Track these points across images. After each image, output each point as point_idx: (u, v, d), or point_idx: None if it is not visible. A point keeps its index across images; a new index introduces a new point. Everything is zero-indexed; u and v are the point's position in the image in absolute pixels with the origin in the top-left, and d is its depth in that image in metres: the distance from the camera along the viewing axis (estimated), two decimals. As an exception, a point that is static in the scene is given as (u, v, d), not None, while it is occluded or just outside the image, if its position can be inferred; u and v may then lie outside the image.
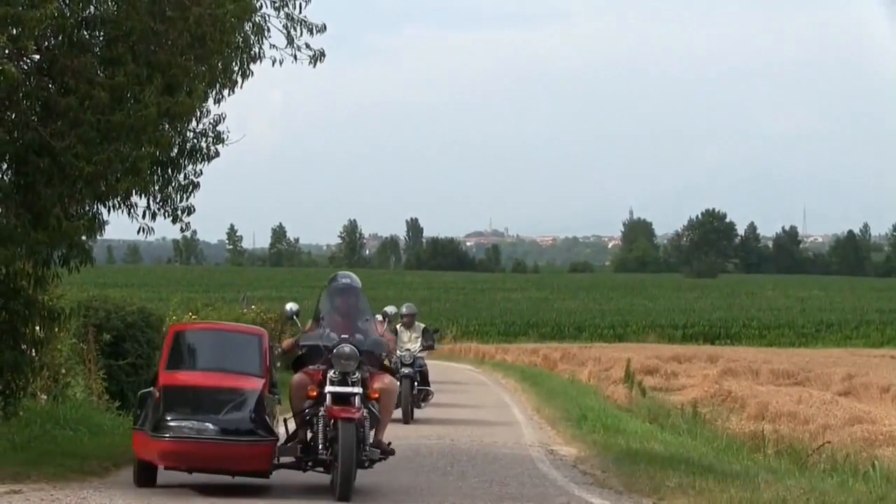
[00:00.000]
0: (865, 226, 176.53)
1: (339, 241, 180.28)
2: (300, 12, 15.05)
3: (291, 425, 12.43)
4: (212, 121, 15.13)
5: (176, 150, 14.78)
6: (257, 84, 15.85)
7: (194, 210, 14.90)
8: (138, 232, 14.55)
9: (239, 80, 15.13)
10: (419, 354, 23.31)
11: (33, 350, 15.15)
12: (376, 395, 12.09)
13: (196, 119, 14.86)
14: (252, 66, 15.18)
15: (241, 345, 12.95)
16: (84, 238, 13.76)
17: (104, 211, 14.15)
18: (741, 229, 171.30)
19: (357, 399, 11.79)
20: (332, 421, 11.71)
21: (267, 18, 15.08)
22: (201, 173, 15.06)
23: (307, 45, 15.18)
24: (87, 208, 13.94)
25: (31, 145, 12.94)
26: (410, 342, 23.43)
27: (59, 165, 12.89)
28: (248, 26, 14.93)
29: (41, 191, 12.97)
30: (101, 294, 22.16)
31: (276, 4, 15.08)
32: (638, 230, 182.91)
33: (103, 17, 13.40)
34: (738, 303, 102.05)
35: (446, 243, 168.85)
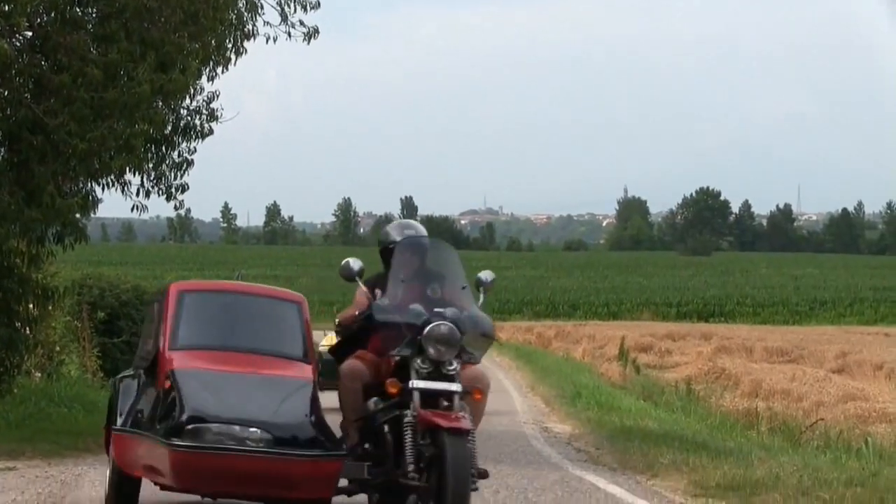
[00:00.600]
0: (859, 204, 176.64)
1: (333, 219, 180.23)
2: (293, -11, 15.04)
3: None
4: (205, 98, 15.14)
5: (170, 128, 14.78)
6: (252, 62, 15.84)
7: (188, 188, 14.90)
8: (132, 210, 14.57)
9: (232, 57, 15.12)
10: None
11: (27, 328, 15.16)
12: (479, 395, 8.63)
13: (190, 96, 14.86)
14: (246, 44, 15.19)
15: (275, 315, 9.50)
16: (78, 216, 13.75)
17: (98, 189, 14.16)
18: (735, 207, 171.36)
19: (457, 399, 8.39)
20: (429, 431, 8.23)
21: (260, -5, 15.06)
22: (195, 151, 15.07)
23: (301, 23, 15.18)
24: (81, 186, 13.94)
25: (24, 123, 12.92)
26: None
27: (52, 143, 12.87)
28: (241, 3, 14.92)
29: (35, 168, 12.95)
30: (95, 272, 22.17)
31: (270, -19, 15.07)
32: (632, 208, 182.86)
33: (96, -7, 13.37)
34: (733, 281, 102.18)
35: (441, 221, 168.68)
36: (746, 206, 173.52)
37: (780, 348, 40.63)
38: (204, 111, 15.11)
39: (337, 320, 9.50)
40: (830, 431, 19.13)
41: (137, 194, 14.43)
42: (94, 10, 13.57)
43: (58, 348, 18.61)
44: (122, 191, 14.33)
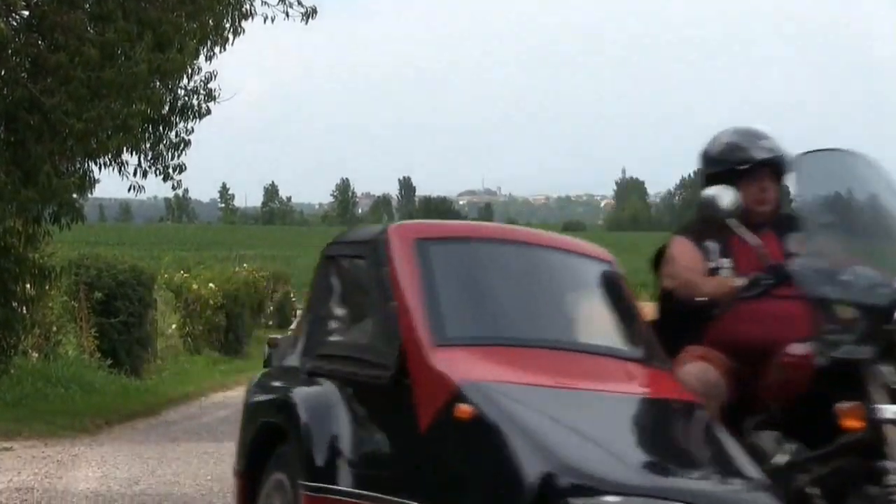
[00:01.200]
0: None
1: (331, 199, 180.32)
2: (291, -32, 14.99)
3: None
4: (203, 78, 15.10)
5: (167, 108, 14.75)
6: (250, 41, 15.82)
7: (185, 168, 14.89)
8: (129, 190, 14.55)
9: (230, 37, 15.07)
10: None
11: (24, 308, 15.16)
12: None
13: (187, 76, 14.83)
14: (244, 23, 15.14)
15: (583, 282, 5.92)
16: (75, 195, 13.73)
17: (95, 169, 14.14)
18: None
19: None
20: None
21: (258, -26, 15.02)
22: (193, 131, 15.04)
23: (299, 2, 15.12)
24: (78, 166, 13.91)
25: (20, 102, 12.88)
26: None
27: (49, 122, 12.83)
28: (239, -17, 14.87)
29: (31, 148, 12.92)
30: (92, 252, 22.13)
31: (267, -40, 15.03)
32: (630, 189, 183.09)
33: (93, -28, 13.32)
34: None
35: (439, 202, 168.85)
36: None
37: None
38: (202, 91, 15.08)
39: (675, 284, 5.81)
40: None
41: (135, 174, 14.42)
42: (91, -12, 13.52)
43: (55, 328, 18.58)
44: (120, 171, 14.31)
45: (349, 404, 5.29)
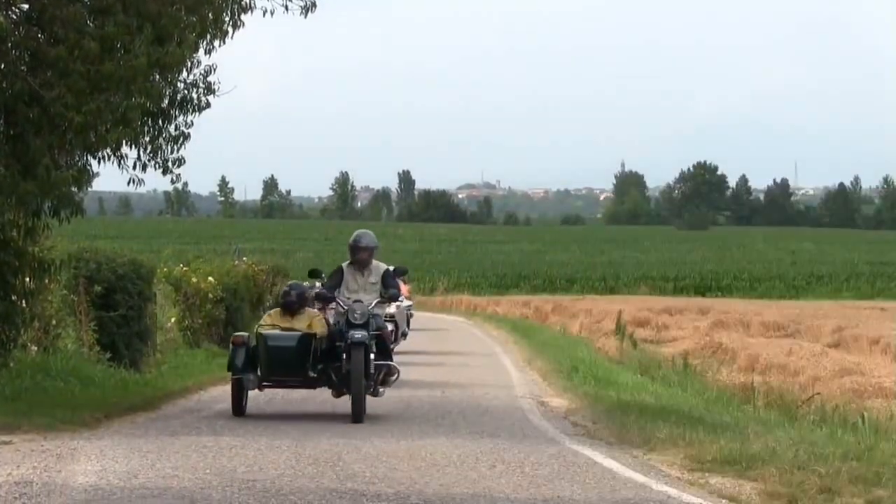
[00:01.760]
0: (856, 178, 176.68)
1: (330, 193, 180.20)
2: (290, -38, 14.96)
3: None
4: (203, 71, 15.09)
5: (166, 101, 14.74)
6: (249, 35, 15.77)
7: (185, 161, 14.88)
8: (129, 183, 14.54)
9: (230, 30, 15.05)
10: (376, 310, 15.45)
11: (24, 301, 15.15)
12: None
13: (187, 70, 14.81)
14: (243, 17, 15.12)
15: None
16: (73, 189, 13.72)
17: (94, 162, 14.12)
18: (732, 182, 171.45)
19: None
20: None
21: (257, -32, 14.99)
22: (192, 124, 15.04)
23: (298, -4, 15.08)
24: (77, 159, 13.90)
25: (20, 95, 12.87)
26: (364, 291, 15.56)
27: (48, 115, 12.83)
28: (238, -24, 14.83)
29: (30, 141, 12.91)
30: (91, 245, 22.10)
31: (267, -46, 14.99)
32: (629, 182, 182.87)
33: (93, -35, 13.30)
34: (730, 255, 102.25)
35: (438, 195, 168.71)
36: (743, 180, 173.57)
37: (776, 323, 40.66)
38: (201, 84, 15.07)
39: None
40: (826, 406, 19.15)
41: (134, 168, 14.40)
42: (91, -18, 13.51)
43: (54, 322, 18.57)
44: (119, 164, 14.30)
45: None
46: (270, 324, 15.63)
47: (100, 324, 20.00)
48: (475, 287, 73.93)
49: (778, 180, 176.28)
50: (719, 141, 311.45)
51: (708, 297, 71.23)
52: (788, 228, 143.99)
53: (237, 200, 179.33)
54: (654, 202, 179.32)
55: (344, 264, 15.71)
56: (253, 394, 15.65)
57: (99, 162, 14.12)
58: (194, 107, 15.03)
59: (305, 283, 16.98)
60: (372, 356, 14.90)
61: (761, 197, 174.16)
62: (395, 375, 15.59)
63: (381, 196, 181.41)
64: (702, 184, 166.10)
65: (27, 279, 14.86)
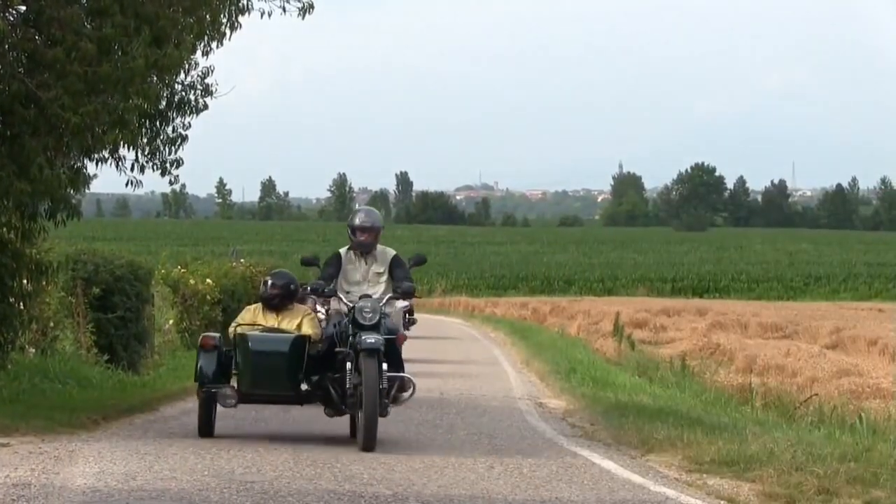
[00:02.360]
0: (854, 179, 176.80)
1: (328, 194, 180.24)
2: (288, -36, 14.96)
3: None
4: (200, 73, 15.09)
5: (164, 103, 14.73)
6: (247, 37, 15.80)
7: (183, 163, 14.87)
8: (126, 185, 14.53)
9: (227, 32, 15.05)
10: (385, 309, 12.49)
11: (21, 303, 15.13)
12: None
13: (184, 71, 14.81)
14: (240, 18, 15.12)
15: None
16: (69, 191, 13.71)
17: (91, 164, 14.11)
18: (730, 183, 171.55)
19: None
20: None
21: (255, -31, 14.99)
22: (190, 126, 15.04)
23: (296, -3, 15.08)
24: (74, 161, 13.88)
25: (17, 96, 12.86)
26: (369, 283, 12.75)
27: (45, 117, 12.82)
28: (236, -23, 14.84)
29: (27, 141, 12.90)
30: (89, 247, 22.08)
31: (264, -44, 14.99)
32: (627, 184, 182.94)
33: (90, -33, 13.29)
34: (727, 256, 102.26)
35: (436, 197, 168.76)
36: (741, 181, 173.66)
37: (774, 324, 40.68)
38: (198, 86, 15.06)
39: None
40: (824, 407, 19.15)
41: (132, 169, 14.39)
42: (88, -17, 13.50)
43: (52, 324, 18.56)
44: (117, 166, 14.29)
45: None
46: (250, 322, 12.72)
47: (97, 326, 19.99)
48: (473, 288, 73.97)
49: (776, 181, 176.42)
50: (717, 142, 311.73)
51: (706, 298, 71.26)
52: (786, 229, 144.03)
53: (235, 202, 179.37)
54: (651, 203, 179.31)
55: (342, 250, 12.86)
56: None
57: (97, 164, 14.11)
58: (192, 108, 15.03)
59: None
60: (384, 366, 11.95)
61: (759, 198, 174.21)
62: (411, 390, 12.37)
63: (379, 197, 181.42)
64: (699, 185, 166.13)
65: (24, 281, 14.84)
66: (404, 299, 13.38)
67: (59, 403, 14.48)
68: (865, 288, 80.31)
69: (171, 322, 25.42)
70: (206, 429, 12.70)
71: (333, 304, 12.82)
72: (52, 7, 12.93)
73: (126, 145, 13.88)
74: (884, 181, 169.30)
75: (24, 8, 13.15)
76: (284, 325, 12.67)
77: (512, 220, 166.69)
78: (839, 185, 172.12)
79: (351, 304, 12.33)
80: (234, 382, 12.75)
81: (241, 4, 15.07)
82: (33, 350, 17.70)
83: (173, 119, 14.90)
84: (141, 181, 14.54)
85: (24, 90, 12.80)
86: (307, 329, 12.59)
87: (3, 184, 12.79)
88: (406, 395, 12.43)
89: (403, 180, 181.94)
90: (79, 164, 13.97)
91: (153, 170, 14.62)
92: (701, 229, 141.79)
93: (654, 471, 11.35)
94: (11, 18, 13.08)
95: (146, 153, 14.58)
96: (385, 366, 11.97)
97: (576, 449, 12.88)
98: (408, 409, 16.58)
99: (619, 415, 15.28)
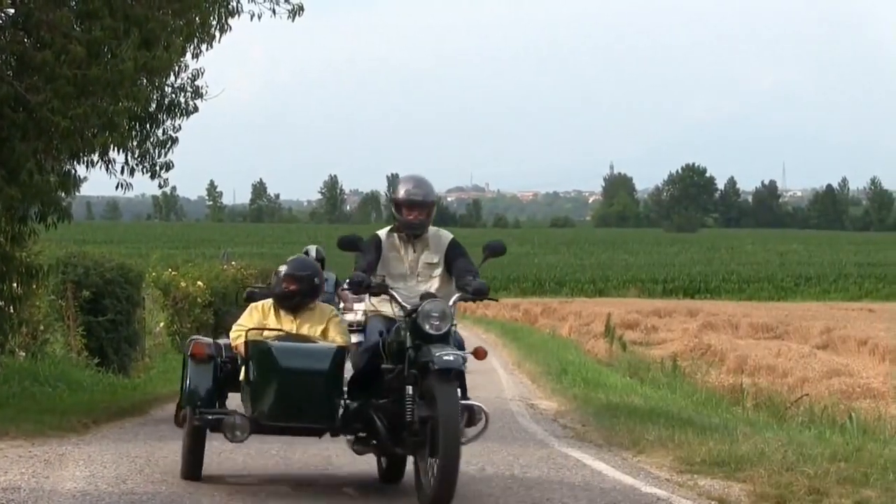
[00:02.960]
0: (844, 180, 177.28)
1: (319, 196, 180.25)
2: (277, -34, 14.97)
3: None
4: (190, 76, 15.11)
5: (154, 105, 14.74)
6: (237, 39, 15.81)
7: (173, 166, 14.87)
8: (116, 188, 14.52)
9: (217, 34, 15.07)
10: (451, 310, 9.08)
11: (11, 307, 15.10)
12: None
13: (174, 74, 14.81)
14: (230, 21, 15.13)
15: None
16: (60, 194, 13.69)
17: (81, 167, 14.10)
18: (721, 184, 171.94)
19: None
20: None
21: (244, -28, 15.00)
22: (180, 128, 15.05)
23: (286, -1, 15.09)
24: (64, 165, 13.87)
25: (6, 99, 12.84)
26: (418, 277, 9.47)
27: (34, 120, 12.79)
28: (225, -21, 14.84)
29: (16, 146, 12.88)
30: (79, 250, 22.06)
31: (254, -42, 15.00)
32: (618, 185, 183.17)
33: (79, -30, 13.28)
34: (718, 257, 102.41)
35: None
36: (732, 182, 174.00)
37: (765, 324, 40.75)
38: (189, 88, 15.07)
39: None
40: (815, 407, 19.18)
41: (122, 172, 14.38)
42: (77, -14, 13.49)
43: (42, 327, 18.53)
44: (106, 169, 14.28)
45: None
46: (259, 325, 9.58)
47: (88, 329, 19.96)
48: (464, 290, 73.81)
49: (766, 182, 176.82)
50: (707, 143, 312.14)
51: (697, 298, 71.36)
52: (776, 230, 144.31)
53: (226, 204, 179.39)
54: (642, 204, 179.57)
55: (382, 232, 9.54)
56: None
57: (87, 167, 14.10)
58: (182, 111, 15.03)
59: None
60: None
61: (749, 199, 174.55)
62: (483, 423, 9.10)
63: (370, 199, 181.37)
64: (690, 186, 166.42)
65: (14, 284, 14.81)
66: (476, 300, 9.28)
67: (50, 407, 14.45)
68: (856, 288, 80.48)
69: (161, 325, 25.39)
70: (194, 469, 9.71)
71: (369, 304, 9.49)
72: (41, 10, 12.91)
73: (116, 148, 13.87)
74: (874, 182, 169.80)
75: (12, 11, 13.13)
76: (305, 330, 9.58)
77: (503, 222, 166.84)
78: (829, 186, 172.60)
79: (409, 307, 8.85)
80: (238, 404, 9.70)
81: (230, 7, 15.07)
82: (23, 353, 17.68)
83: (163, 121, 14.91)
84: (131, 184, 14.54)
85: (13, 93, 12.78)
86: (337, 337, 9.49)
87: (-8, 189, 12.78)
88: (475, 430, 9.09)
89: (394, 182, 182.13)
90: (69, 167, 13.95)
91: (143, 173, 14.63)
92: (692, 230, 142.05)
93: (646, 471, 11.36)
94: (0, 21, 13.06)
95: (136, 156, 14.58)
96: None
97: (567, 450, 12.88)
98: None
99: (610, 416, 15.28)
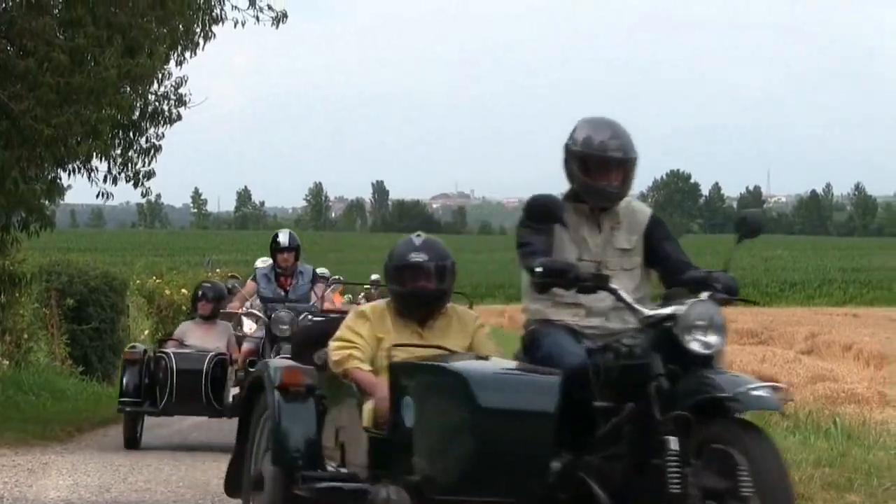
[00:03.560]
0: (828, 186, 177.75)
1: (304, 204, 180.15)
2: (261, -27, 14.97)
3: None
4: (174, 83, 15.07)
5: (137, 113, 14.70)
6: (221, 46, 15.80)
7: (155, 174, 14.85)
8: (97, 196, 14.48)
9: (201, 41, 15.04)
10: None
11: (-6, 315, 15.06)
12: None
13: (157, 81, 14.79)
14: (214, 28, 15.11)
15: None
16: (44, 202, 13.66)
17: (64, 175, 14.07)
18: (705, 190, 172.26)
19: None
20: None
21: (228, -21, 14.99)
22: (164, 136, 15.01)
23: (269, 7, 15.09)
24: (47, 172, 13.84)
25: (-12, 108, 12.82)
26: (608, 265, 6.27)
27: (17, 128, 12.76)
28: (208, -13, 14.84)
29: (0, 154, 12.85)
30: (63, 258, 22.03)
31: (237, -35, 14.99)
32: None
33: (62, -23, 13.27)
34: (703, 263, 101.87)
35: (412, 205, 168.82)
36: (717, 188, 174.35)
37: (750, 329, 40.80)
38: (172, 96, 15.04)
39: None
40: (800, 412, 19.19)
41: (105, 181, 14.34)
42: (60, -6, 13.48)
43: (26, 336, 18.49)
44: (88, 177, 14.25)
45: None
46: (393, 343, 6.23)
47: (72, 337, 19.93)
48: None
49: (750, 188, 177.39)
50: (692, 149, 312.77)
51: (682, 304, 71.34)
52: (761, 235, 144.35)
53: (210, 212, 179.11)
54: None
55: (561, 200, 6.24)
56: None
57: (70, 175, 14.08)
58: (166, 119, 15.00)
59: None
60: None
61: (734, 205, 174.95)
62: None
63: (355, 206, 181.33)
64: (675, 192, 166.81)
65: (-2, 293, 14.78)
66: (730, 302, 6.10)
67: (33, 415, 14.41)
68: (840, 293, 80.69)
69: (146, 333, 25.34)
70: None
71: (545, 305, 6.20)
72: (23, 18, 12.88)
73: (99, 156, 13.85)
74: (857, 187, 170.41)
75: (-5, 19, 13.11)
76: (450, 345, 6.32)
77: (488, 229, 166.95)
78: (814, 192, 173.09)
79: (651, 313, 5.60)
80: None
81: (214, 14, 15.05)
82: (7, 362, 17.63)
83: (147, 129, 14.88)
84: (112, 193, 14.51)
85: (-5, 102, 12.76)
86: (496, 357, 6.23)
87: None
88: None
89: (379, 189, 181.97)
90: (53, 174, 13.93)
91: (126, 181, 14.59)
92: (677, 236, 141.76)
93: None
94: (-18, 29, 13.04)
95: (119, 164, 14.55)
96: None
97: (552, 457, 12.85)
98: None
99: (595, 422, 15.26)
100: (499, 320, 53.86)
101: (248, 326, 13.85)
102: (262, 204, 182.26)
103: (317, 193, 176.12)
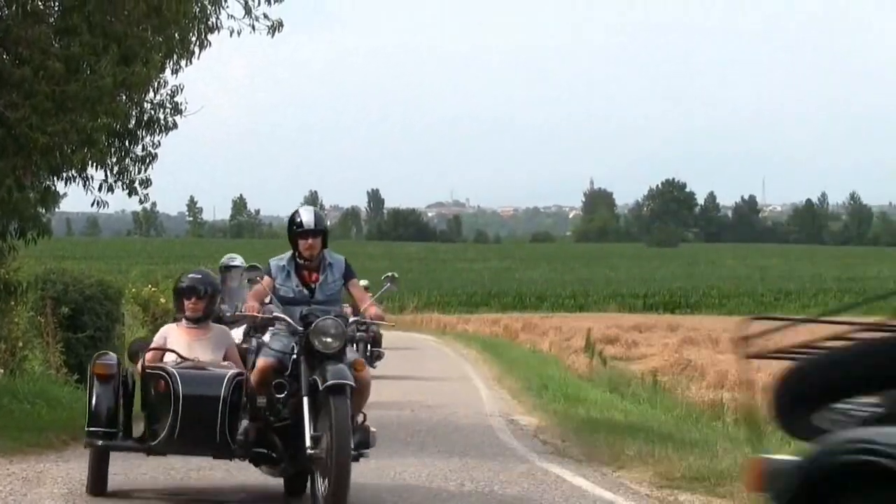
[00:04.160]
0: (823, 195, 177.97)
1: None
2: (257, -19, 14.99)
3: None
4: (169, 92, 15.08)
5: (133, 122, 14.71)
6: (217, 55, 15.81)
7: (151, 182, 14.85)
8: (93, 205, 14.48)
9: (196, 50, 15.05)
10: None
11: (-10, 323, 15.04)
12: None
13: (153, 90, 14.79)
14: (210, 37, 15.13)
15: None
16: (40, 210, 13.66)
17: (60, 184, 14.06)
18: (701, 199, 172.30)
19: None
20: None
21: (224, -12, 15.00)
22: (159, 145, 15.02)
23: (265, 16, 15.13)
24: (43, 181, 13.84)
25: (-16, 117, 12.82)
26: None
27: (13, 137, 12.77)
28: (204, -4, 14.85)
29: (-5, 162, 12.86)
30: (59, 267, 21.98)
31: (233, -26, 15.01)
32: (599, 200, 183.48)
33: (58, -14, 13.27)
34: (699, 272, 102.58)
35: (407, 214, 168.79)
36: (712, 197, 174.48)
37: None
38: (168, 105, 15.05)
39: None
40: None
41: (100, 189, 14.34)
42: (56, 2, 13.48)
43: (21, 344, 18.44)
44: (84, 185, 14.24)
45: None
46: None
47: (67, 345, 19.88)
48: (445, 305, 73.89)
49: (746, 197, 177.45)
50: (687, 158, 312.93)
51: (677, 313, 71.44)
52: (756, 245, 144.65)
53: (206, 220, 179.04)
54: (623, 219, 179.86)
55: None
56: None
57: (65, 183, 14.07)
58: (161, 127, 15.01)
59: None
60: None
61: (730, 213, 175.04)
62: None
63: (351, 215, 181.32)
64: (670, 201, 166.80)
65: (-7, 301, 14.77)
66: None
67: (28, 424, 14.38)
68: (835, 302, 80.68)
69: (141, 341, 25.31)
70: None
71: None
72: (19, 26, 12.89)
73: (94, 165, 13.85)
74: (853, 196, 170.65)
75: (-9, 27, 13.11)
76: None
77: (483, 237, 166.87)
78: (809, 201, 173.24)
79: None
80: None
81: (210, 23, 15.07)
82: (2, 370, 17.58)
83: (142, 138, 14.89)
84: (107, 202, 14.52)
85: (-9, 110, 12.76)
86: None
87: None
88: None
89: (375, 197, 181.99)
90: (48, 183, 13.92)
91: (122, 189, 14.60)
92: (672, 245, 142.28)
93: (626, 487, 11.35)
94: (-22, 37, 13.04)
95: (115, 172, 14.55)
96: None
97: (547, 466, 12.87)
98: (378, 427, 16.52)
99: (590, 431, 15.28)
100: (494, 328, 53.86)
101: (234, 332, 10.75)
102: (258, 212, 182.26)
103: (312, 202, 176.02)
